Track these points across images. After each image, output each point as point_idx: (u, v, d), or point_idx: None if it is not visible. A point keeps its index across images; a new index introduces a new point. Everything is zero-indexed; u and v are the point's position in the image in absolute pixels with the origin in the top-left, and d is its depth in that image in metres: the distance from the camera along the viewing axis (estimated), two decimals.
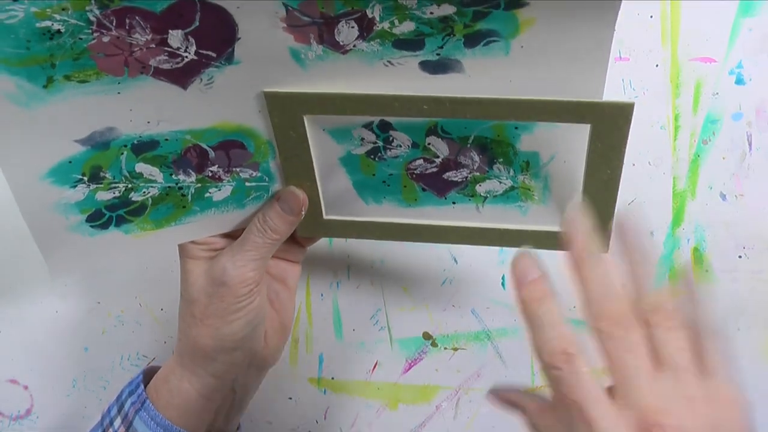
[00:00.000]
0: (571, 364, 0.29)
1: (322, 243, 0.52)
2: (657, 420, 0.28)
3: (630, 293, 0.31)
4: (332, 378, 0.56)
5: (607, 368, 0.30)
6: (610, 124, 0.33)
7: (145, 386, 0.41)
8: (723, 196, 0.49)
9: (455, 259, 0.52)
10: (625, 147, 0.33)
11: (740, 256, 0.49)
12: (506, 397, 0.36)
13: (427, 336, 0.54)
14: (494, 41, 0.31)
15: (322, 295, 0.54)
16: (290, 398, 0.56)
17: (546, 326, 0.30)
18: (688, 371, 0.29)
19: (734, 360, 0.30)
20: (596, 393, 0.29)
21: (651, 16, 0.47)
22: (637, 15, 0.47)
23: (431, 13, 0.30)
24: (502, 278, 0.52)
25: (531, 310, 0.31)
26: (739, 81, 0.47)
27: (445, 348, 0.54)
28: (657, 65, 0.47)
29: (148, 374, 0.42)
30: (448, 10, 0.30)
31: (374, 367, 0.55)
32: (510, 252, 0.51)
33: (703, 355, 0.30)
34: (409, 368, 0.55)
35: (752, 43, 0.46)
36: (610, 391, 0.29)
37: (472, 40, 0.31)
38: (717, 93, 0.47)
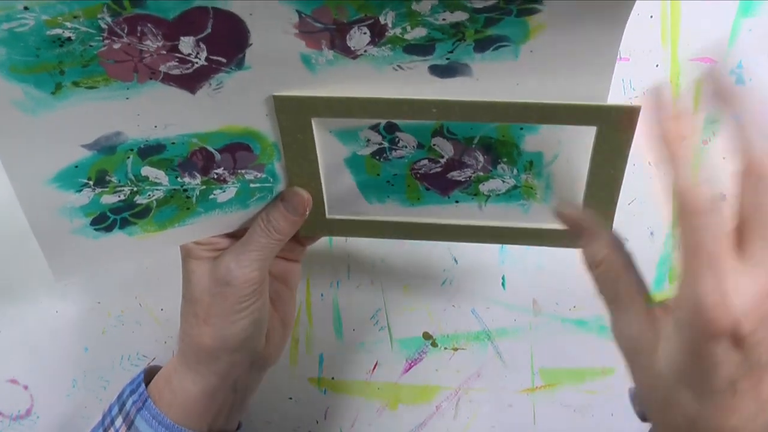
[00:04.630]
0: (715, 214, 0.27)
1: (322, 243, 0.52)
2: None
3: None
4: (332, 378, 0.56)
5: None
6: (616, 127, 0.33)
7: (147, 385, 0.41)
8: (723, 197, 0.49)
9: (455, 260, 0.52)
10: (629, 148, 0.34)
11: None
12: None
13: (427, 336, 0.54)
14: (504, 46, 0.31)
15: (322, 295, 0.54)
16: (290, 398, 0.56)
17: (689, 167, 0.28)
18: None
19: None
20: (728, 246, 0.27)
21: (651, 16, 0.47)
22: (637, 15, 0.46)
23: (444, 19, 0.30)
24: (502, 278, 0.52)
25: (674, 149, 0.28)
26: (739, 81, 0.47)
27: (445, 348, 0.54)
28: (657, 65, 0.47)
29: (149, 374, 0.42)
30: (460, 16, 0.30)
31: (374, 367, 0.55)
32: (510, 251, 0.52)
33: None
34: (409, 368, 0.55)
35: (752, 43, 0.46)
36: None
37: (483, 45, 0.31)
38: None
